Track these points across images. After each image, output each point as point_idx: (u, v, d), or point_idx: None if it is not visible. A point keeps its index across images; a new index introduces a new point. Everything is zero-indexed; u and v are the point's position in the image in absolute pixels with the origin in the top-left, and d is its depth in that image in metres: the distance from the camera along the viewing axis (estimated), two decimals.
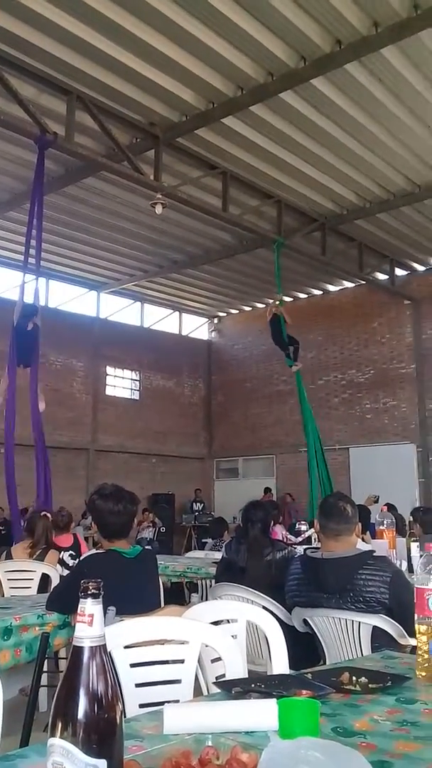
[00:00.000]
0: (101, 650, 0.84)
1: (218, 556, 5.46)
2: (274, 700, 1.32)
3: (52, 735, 0.81)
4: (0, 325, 13.55)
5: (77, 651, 0.84)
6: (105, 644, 0.85)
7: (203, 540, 14.33)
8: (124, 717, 1.05)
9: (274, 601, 3.30)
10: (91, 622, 0.84)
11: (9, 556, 4.50)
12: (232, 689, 1.51)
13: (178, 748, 1.11)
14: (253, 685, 1.52)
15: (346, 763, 0.88)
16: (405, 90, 8.26)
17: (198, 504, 16.74)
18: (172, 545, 15.34)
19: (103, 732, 0.81)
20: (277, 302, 11.34)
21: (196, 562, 5.24)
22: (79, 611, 0.85)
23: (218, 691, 1.62)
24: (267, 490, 13.85)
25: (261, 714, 1.29)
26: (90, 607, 0.85)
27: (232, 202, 10.43)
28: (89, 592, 0.85)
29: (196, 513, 16.40)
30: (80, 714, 0.81)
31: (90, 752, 0.79)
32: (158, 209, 9.35)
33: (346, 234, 12.69)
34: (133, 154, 8.99)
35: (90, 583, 0.86)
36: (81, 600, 0.85)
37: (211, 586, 4.87)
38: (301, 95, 8.38)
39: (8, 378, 7.64)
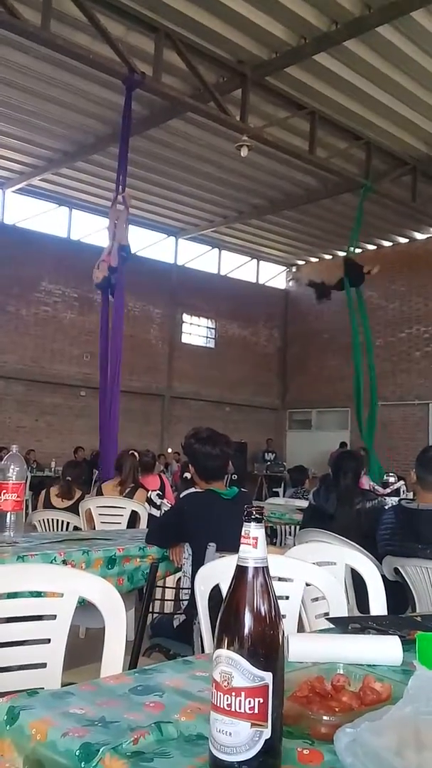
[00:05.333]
0: (264, 571, 0.87)
1: (299, 503, 5.52)
2: (396, 637, 1.33)
3: (218, 647, 0.85)
4: (91, 272, 13.90)
5: (242, 570, 0.87)
6: (267, 566, 0.88)
7: (274, 489, 14.51)
8: None
9: (363, 549, 3.32)
10: (256, 544, 0.87)
11: (99, 493, 4.70)
12: (349, 625, 1.53)
13: (310, 673, 1.15)
14: (368, 623, 1.55)
15: None
16: None
17: (270, 454, 16.87)
18: None
19: (268, 646, 0.84)
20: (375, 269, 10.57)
21: (280, 508, 5.32)
22: (243, 534, 0.88)
23: (329, 626, 1.65)
24: (343, 444, 13.77)
25: (385, 649, 1.31)
26: (254, 530, 0.87)
27: (319, 144, 10.09)
28: (253, 517, 0.88)
29: (268, 463, 16.55)
30: (246, 629, 0.84)
31: (257, 665, 0.83)
32: (244, 152, 9.15)
33: None
34: (219, 93, 8.78)
35: (254, 508, 0.88)
36: (245, 524, 0.88)
37: (291, 533, 4.95)
38: (400, 29, 7.92)
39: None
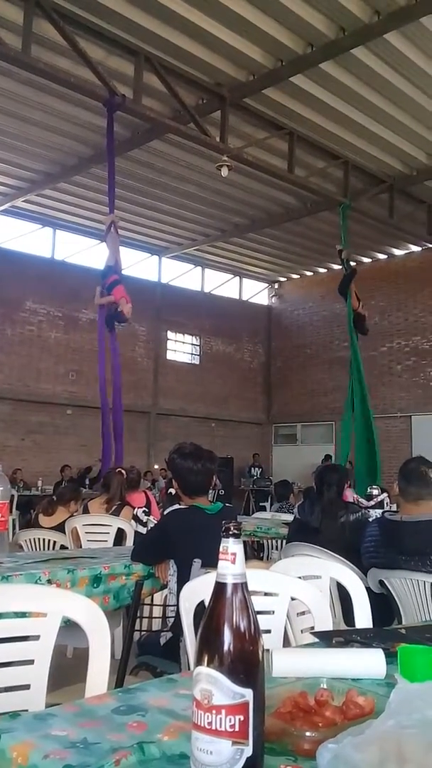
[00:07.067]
0: (243, 587, 0.87)
1: (285, 517, 5.52)
2: (380, 650, 1.34)
3: (199, 664, 0.85)
4: (76, 291, 13.95)
5: (220, 587, 0.87)
6: (246, 582, 0.88)
7: (261, 504, 14.48)
8: None
9: (348, 562, 3.32)
10: (234, 560, 0.87)
11: (86, 510, 4.67)
12: (333, 639, 1.54)
13: (294, 689, 1.15)
14: (352, 636, 1.55)
15: None
16: None
17: (256, 469, 16.85)
18: None
19: (248, 663, 0.84)
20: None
21: (266, 522, 5.31)
22: (221, 550, 0.88)
23: (314, 641, 1.66)
24: (327, 457, 13.81)
25: (368, 662, 1.31)
26: (232, 546, 0.88)
27: (297, 164, 10.22)
28: (231, 533, 0.88)
29: (254, 477, 16.53)
30: (226, 645, 0.84)
31: (237, 682, 0.83)
32: (224, 172, 9.25)
33: (415, 196, 12.28)
34: (199, 115, 8.89)
35: (231, 524, 0.89)
36: (223, 540, 0.88)
37: (278, 547, 4.94)
38: (374, 51, 8.08)
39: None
